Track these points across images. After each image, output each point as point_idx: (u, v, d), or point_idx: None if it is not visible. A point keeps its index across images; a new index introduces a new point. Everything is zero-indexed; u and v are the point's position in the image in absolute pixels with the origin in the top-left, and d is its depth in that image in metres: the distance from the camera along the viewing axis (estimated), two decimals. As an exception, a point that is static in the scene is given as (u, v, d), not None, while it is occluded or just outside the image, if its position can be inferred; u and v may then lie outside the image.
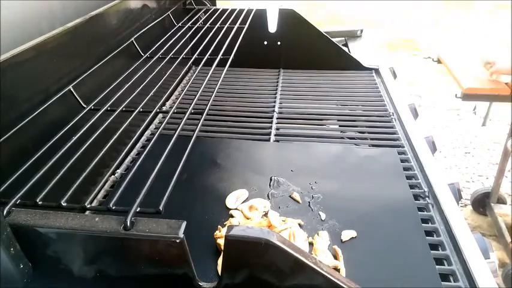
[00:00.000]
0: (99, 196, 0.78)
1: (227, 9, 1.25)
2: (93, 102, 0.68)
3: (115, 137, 0.58)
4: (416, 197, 0.76)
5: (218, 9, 1.30)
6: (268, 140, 0.97)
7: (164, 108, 0.77)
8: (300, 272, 0.41)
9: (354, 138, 1.01)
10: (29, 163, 0.51)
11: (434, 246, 0.65)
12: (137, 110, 0.67)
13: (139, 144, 0.97)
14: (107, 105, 0.68)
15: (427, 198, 0.75)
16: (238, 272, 0.42)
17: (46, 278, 0.43)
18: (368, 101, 1.15)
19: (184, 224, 0.39)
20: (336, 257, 0.62)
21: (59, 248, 0.41)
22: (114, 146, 0.57)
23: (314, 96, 1.18)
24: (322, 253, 0.62)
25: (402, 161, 0.87)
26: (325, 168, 0.84)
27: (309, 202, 0.74)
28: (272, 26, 1.34)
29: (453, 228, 0.67)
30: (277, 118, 1.06)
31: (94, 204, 0.73)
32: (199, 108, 0.66)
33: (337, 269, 0.59)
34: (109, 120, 0.63)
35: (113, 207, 0.44)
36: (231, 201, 0.74)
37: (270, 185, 0.79)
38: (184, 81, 1.31)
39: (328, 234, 0.66)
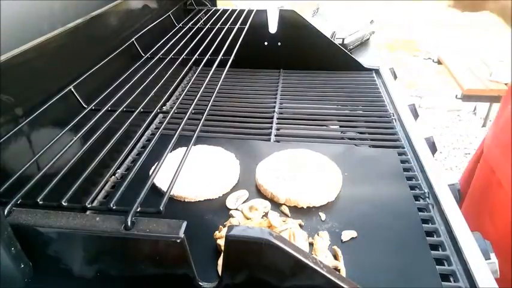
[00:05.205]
0: (100, 196, 0.78)
1: (227, 10, 1.26)
2: (94, 103, 0.68)
3: (116, 137, 0.58)
4: (416, 197, 0.76)
5: (219, 10, 1.30)
6: (269, 140, 0.97)
7: (165, 109, 0.77)
8: (300, 272, 0.41)
9: (354, 139, 1.01)
10: (29, 163, 0.51)
11: (434, 247, 0.65)
12: (138, 110, 0.67)
13: (139, 144, 0.97)
14: (108, 106, 0.68)
15: (427, 199, 0.75)
16: (239, 272, 0.42)
17: (46, 277, 0.43)
18: (368, 101, 1.15)
19: (184, 224, 0.39)
20: (336, 257, 0.62)
21: (60, 247, 0.41)
22: (114, 146, 0.57)
23: (314, 97, 1.18)
24: (322, 253, 0.62)
25: (402, 161, 0.87)
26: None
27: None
28: (272, 27, 1.35)
29: (453, 229, 0.67)
30: (277, 118, 1.06)
31: (95, 204, 0.73)
32: (200, 109, 0.67)
33: (337, 269, 0.59)
34: (110, 120, 0.63)
35: (114, 207, 0.44)
36: (231, 201, 0.74)
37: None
38: (185, 81, 1.31)
39: (328, 235, 0.66)
